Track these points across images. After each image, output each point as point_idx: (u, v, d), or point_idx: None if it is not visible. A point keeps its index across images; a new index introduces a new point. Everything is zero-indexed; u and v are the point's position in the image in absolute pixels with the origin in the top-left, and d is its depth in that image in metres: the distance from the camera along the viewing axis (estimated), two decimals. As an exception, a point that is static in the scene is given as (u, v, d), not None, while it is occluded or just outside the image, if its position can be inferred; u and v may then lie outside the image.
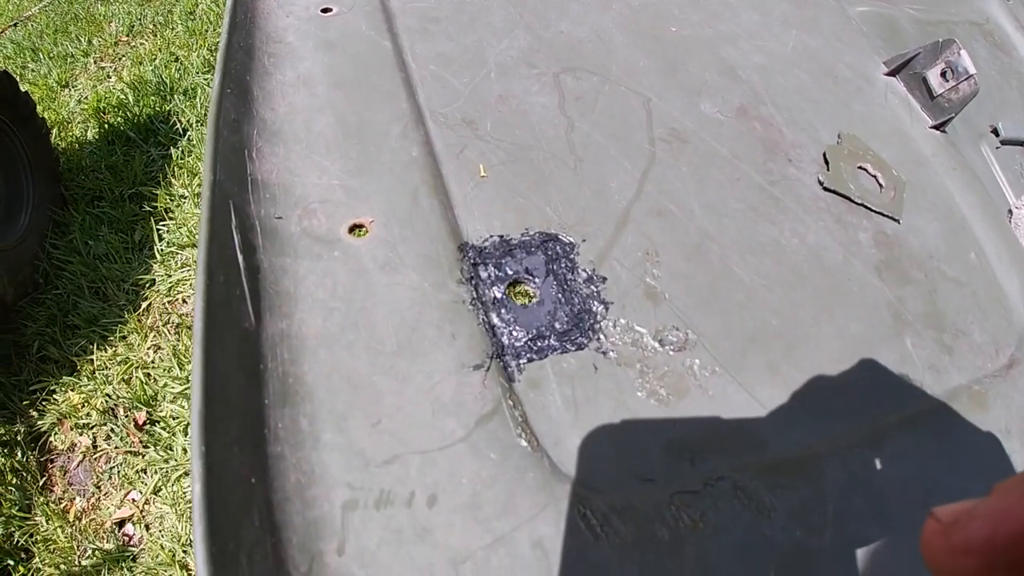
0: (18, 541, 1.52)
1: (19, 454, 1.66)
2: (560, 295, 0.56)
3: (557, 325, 0.54)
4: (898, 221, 0.80)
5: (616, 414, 0.51)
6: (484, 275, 0.55)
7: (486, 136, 0.67)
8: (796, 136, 0.84)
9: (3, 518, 1.52)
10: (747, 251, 0.66)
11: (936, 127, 0.99)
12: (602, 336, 0.54)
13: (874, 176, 0.85)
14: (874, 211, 0.79)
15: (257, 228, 0.53)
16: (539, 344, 0.52)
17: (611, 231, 0.62)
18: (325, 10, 0.78)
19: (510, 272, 0.56)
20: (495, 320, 0.53)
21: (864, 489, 0.54)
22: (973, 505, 0.20)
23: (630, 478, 0.48)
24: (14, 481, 1.60)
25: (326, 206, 0.57)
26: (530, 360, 0.52)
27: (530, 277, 0.56)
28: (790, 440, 0.55)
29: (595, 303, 0.56)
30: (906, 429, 0.61)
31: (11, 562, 1.48)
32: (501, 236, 0.58)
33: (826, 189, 0.78)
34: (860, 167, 0.85)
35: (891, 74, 1.04)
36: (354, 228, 0.56)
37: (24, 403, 1.74)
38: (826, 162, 0.82)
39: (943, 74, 0.99)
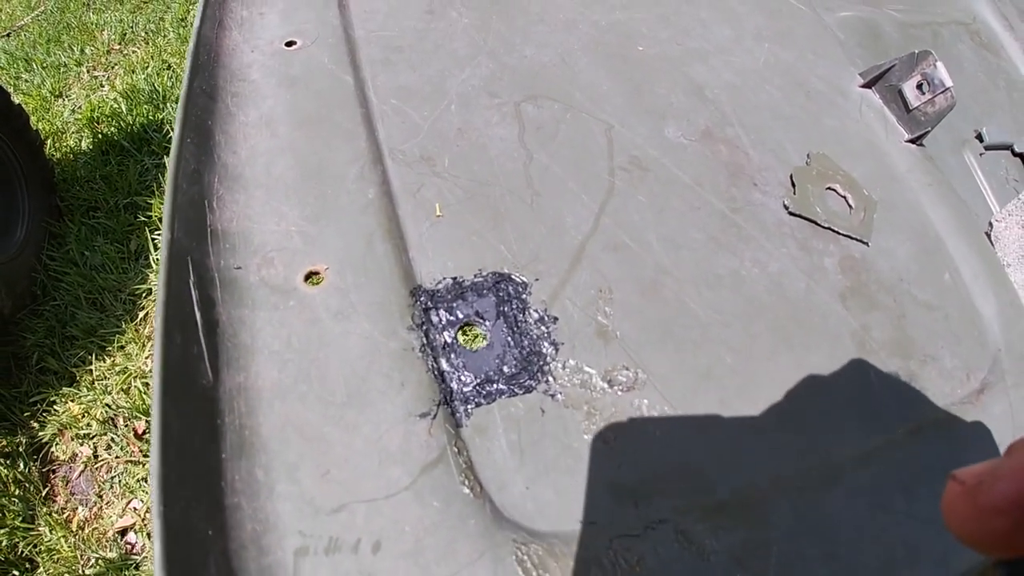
0: (22, 552, 1.56)
1: (21, 465, 1.70)
2: (510, 337, 0.57)
3: (506, 369, 0.55)
4: (867, 244, 0.80)
5: (561, 458, 0.52)
6: (435, 320, 0.56)
7: (444, 173, 0.68)
8: (763, 158, 0.84)
9: (7, 529, 1.56)
10: (704, 284, 0.66)
11: (912, 141, 0.99)
12: (551, 378, 0.56)
13: (843, 197, 0.85)
14: (842, 234, 0.79)
15: (216, 281, 0.54)
16: (487, 389, 0.53)
17: (565, 268, 0.63)
18: (289, 43, 0.79)
19: (461, 316, 0.57)
20: (444, 366, 0.54)
21: (813, 531, 0.55)
22: (994, 465, 0.20)
23: (572, 522, 0.50)
24: (17, 492, 1.65)
25: (283, 254, 0.58)
26: (478, 405, 0.53)
27: (481, 320, 0.57)
28: (738, 481, 0.56)
29: (545, 344, 0.57)
30: (861, 464, 0.62)
31: (16, 573, 1.53)
32: (454, 278, 0.59)
33: (791, 214, 0.78)
34: (829, 188, 0.85)
35: (866, 86, 1.03)
36: (310, 276, 0.57)
37: (25, 414, 1.78)
38: (793, 185, 0.82)
39: (919, 86, 0.98)
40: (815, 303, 0.72)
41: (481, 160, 0.70)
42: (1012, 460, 0.20)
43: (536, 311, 0.59)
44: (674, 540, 0.50)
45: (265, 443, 0.49)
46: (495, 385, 0.54)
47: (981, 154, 1.20)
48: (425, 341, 0.55)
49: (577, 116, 0.78)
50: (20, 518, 1.60)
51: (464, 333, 0.57)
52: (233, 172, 0.64)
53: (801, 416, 0.62)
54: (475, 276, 0.60)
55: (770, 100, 0.94)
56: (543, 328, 0.58)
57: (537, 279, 0.61)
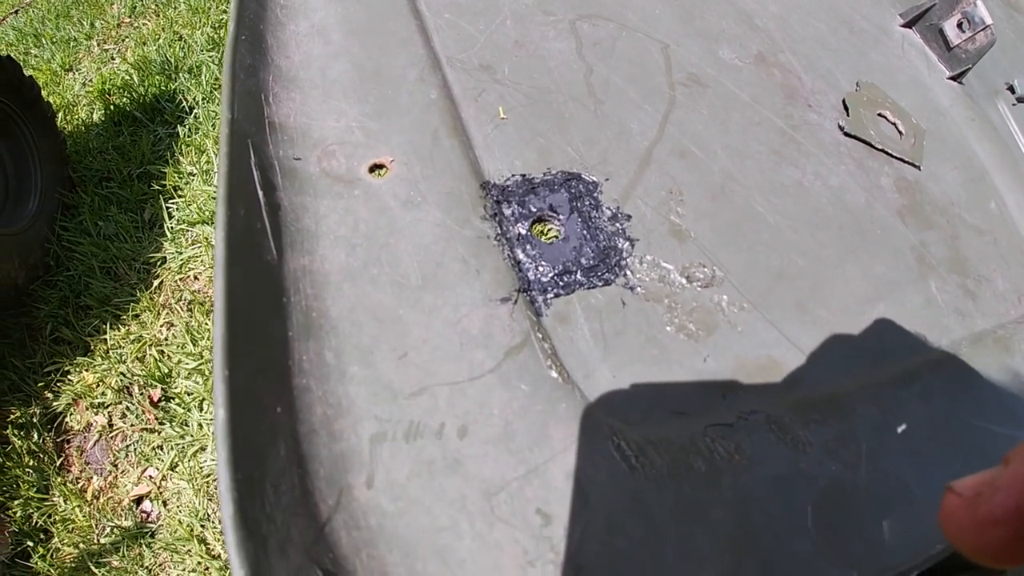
0: (37, 522, 1.53)
1: (35, 436, 1.67)
2: (585, 232, 0.55)
3: (583, 261, 0.53)
4: (918, 168, 0.79)
5: (646, 348, 0.50)
6: (507, 212, 0.54)
7: (504, 80, 0.66)
8: (815, 83, 0.82)
9: (21, 500, 1.53)
10: (770, 192, 0.65)
11: (953, 78, 0.98)
12: (629, 272, 0.54)
13: (893, 123, 0.83)
14: (895, 157, 0.78)
15: (276, 168, 0.52)
16: (566, 279, 0.51)
17: (634, 171, 0.61)
18: (335, -39, 0.77)
19: (534, 209, 0.55)
20: (520, 256, 0.52)
21: (895, 427, 0.54)
22: (992, 475, 0.20)
23: (662, 411, 0.48)
24: (31, 463, 1.62)
25: (345, 147, 0.56)
26: (557, 295, 0.51)
27: (554, 214, 0.55)
28: (821, 377, 0.54)
29: (620, 240, 0.55)
30: (934, 370, 0.61)
31: (30, 543, 1.50)
32: (523, 175, 0.57)
33: (846, 134, 0.77)
34: (879, 114, 0.83)
35: (907, 25, 1.02)
36: (374, 168, 0.55)
37: (39, 385, 1.74)
38: (846, 108, 0.80)
39: (959, 25, 0.97)
40: (876, 217, 0.70)
41: (541, 70, 0.68)
42: (1009, 470, 0.19)
43: (609, 208, 0.57)
44: (768, 430, 0.48)
45: (335, 325, 0.47)
46: (573, 276, 0.52)
47: (1014, 104, 1.18)
48: (499, 231, 0.53)
49: (632, 35, 0.76)
50: (34, 488, 1.57)
51: (537, 227, 0.55)
52: (287, 74, 0.62)
53: (872, 321, 0.61)
54: (544, 174, 0.58)
55: (817, 33, 0.92)
56: (617, 225, 0.56)
57: (607, 179, 0.59)
